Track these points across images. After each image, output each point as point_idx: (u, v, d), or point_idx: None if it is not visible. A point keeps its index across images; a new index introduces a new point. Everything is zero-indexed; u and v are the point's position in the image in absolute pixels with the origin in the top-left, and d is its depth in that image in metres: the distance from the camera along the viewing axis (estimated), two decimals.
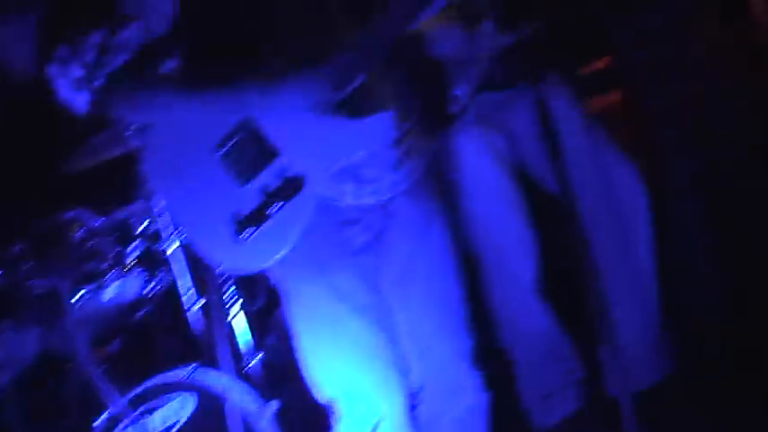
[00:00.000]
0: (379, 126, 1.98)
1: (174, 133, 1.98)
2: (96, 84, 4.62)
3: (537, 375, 2.85)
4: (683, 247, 3.07)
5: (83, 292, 2.67)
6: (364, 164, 1.98)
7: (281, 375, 2.91)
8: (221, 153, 1.93)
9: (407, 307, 2.09)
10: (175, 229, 2.99)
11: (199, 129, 1.95)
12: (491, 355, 2.74)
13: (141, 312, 2.98)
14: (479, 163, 2.74)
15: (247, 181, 1.92)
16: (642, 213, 2.81)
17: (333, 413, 2.06)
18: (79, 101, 4.61)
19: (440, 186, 2.24)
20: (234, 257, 1.94)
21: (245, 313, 2.88)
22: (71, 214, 2.95)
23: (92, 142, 3.43)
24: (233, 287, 2.92)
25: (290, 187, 1.91)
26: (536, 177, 2.79)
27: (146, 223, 3.10)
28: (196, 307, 3.00)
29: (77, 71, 4.57)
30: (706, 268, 3.07)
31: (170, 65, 2.05)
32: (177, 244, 3.00)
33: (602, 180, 2.73)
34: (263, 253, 1.93)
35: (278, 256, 1.93)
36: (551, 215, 2.49)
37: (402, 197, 2.06)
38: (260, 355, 2.91)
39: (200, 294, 3.03)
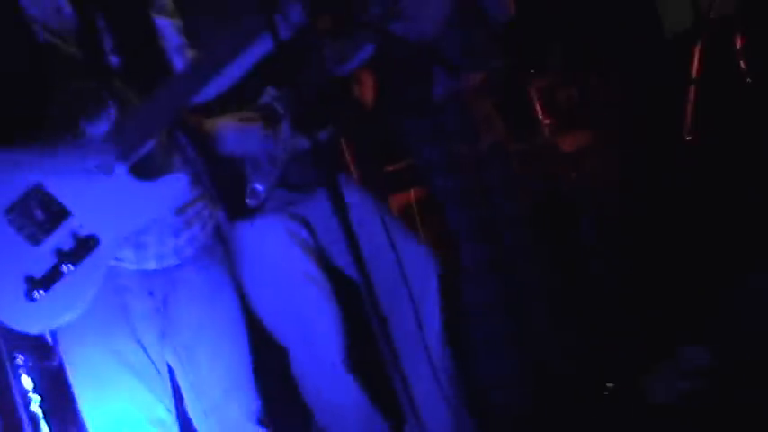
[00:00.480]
0: (166, 191, 2.07)
1: None
2: None
3: None
4: (481, 325, 3.28)
5: None
6: (146, 229, 2.06)
7: None
8: (12, 216, 1.97)
9: (196, 369, 2.15)
10: None
11: None
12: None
13: None
14: (282, 246, 2.80)
15: (39, 242, 1.97)
16: (433, 293, 2.94)
17: None
18: None
19: (227, 256, 2.33)
20: (24, 318, 1.97)
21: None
22: None
23: None
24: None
25: (83, 248, 1.98)
26: (336, 263, 2.92)
27: None
28: None
29: None
30: (501, 346, 3.29)
31: None
32: None
33: (395, 263, 2.88)
34: (53, 314, 1.97)
35: (66, 318, 1.98)
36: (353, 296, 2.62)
37: (188, 263, 2.13)
38: None
39: None
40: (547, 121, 4.29)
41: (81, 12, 2.05)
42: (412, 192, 4.01)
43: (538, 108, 4.31)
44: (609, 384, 3.23)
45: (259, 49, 2.04)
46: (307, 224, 2.86)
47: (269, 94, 2.54)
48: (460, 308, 3.23)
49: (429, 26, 3.09)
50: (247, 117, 2.44)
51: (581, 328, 3.47)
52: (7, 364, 2.94)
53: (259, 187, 2.55)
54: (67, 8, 2.05)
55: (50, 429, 2.84)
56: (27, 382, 3.00)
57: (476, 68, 3.31)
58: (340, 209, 2.09)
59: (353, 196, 2.68)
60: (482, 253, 3.29)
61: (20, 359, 3.06)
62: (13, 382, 2.90)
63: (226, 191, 2.47)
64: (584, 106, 4.44)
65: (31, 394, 3.02)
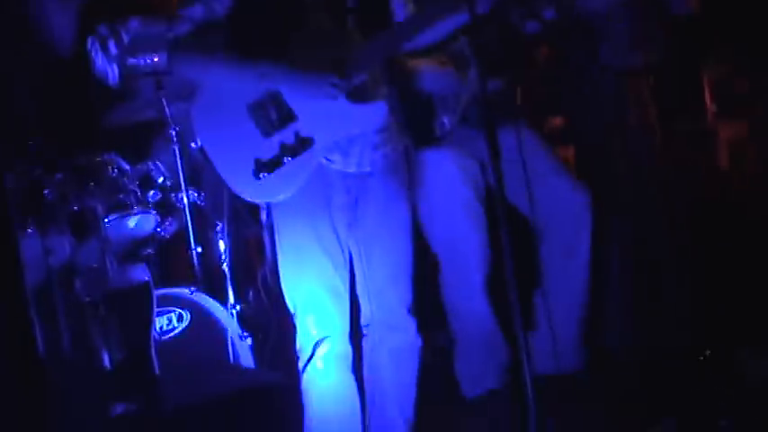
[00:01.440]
0: (372, 114, 2.58)
1: (217, 92, 2.57)
2: (129, 62, 5.28)
3: (471, 358, 3.36)
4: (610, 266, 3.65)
5: (112, 216, 3.24)
6: (353, 140, 2.58)
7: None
8: (253, 111, 2.53)
9: (369, 258, 2.65)
10: (187, 188, 3.62)
11: (237, 91, 2.54)
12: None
13: (152, 246, 3.60)
14: (453, 178, 3.26)
15: (270, 135, 2.53)
16: (586, 230, 3.32)
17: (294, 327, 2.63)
18: (111, 74, 5.28)
19: (409, 174, 2.80)
20: (250, 190, 2.54)
21: None
22: (107, 156, 3.52)
23: (128, 105, 4.04)
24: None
25: (301, 145, 2.52)
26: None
27: (161, 179, 3.71)
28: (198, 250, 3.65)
29: (113, 49, 5.27)
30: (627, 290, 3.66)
31: (221, 39, 2.63)
32: (186, 200, 3.63)
33: (556, 199, 3.25)
34: (272, 191, 2.54)
35: (282, 197, 2.54)
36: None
37: (378, 173, 2.64)
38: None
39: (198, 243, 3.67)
40: (713, 108, 4.52)
41: None
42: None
43: (707, 94, 4.55)
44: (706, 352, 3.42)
45: (463, 16, 2.44)
46: (479, 161, 3.27)
47: (462, 41, 2.93)
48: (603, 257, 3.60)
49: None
50: (442, 60, 2.89)
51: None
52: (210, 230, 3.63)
53: (446, 120, 3.01)
54: None
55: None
56: (221, 245, 3.68)
57: (637, 52, 3.61)
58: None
59: (527, 136, 3.10)
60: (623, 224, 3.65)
61: (218, 227, 3.75)
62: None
63: (418, 120, 2.98)
64: (753, 98, 4.64)
65: (223, 256, 3.71)
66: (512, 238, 2.29)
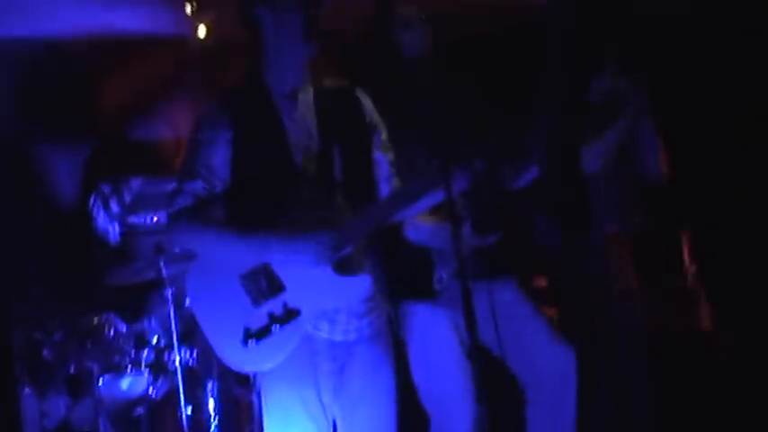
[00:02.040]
0: (358, 285, 2.72)
1: (212, 260, 2.72)
2: (130, 220, 5.49)
3: None
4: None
5: (106, 376, 3.34)
6: (340, 310, 2.72)
7: None
8: (244, 281, 2.67)
9: (353, 423, 2.74)
10: (180, 348, 3.73)
11: (231, 261, 2.69)
12: None
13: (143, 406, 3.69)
14: (446, 336, 3.31)
15: (259, 305, 2.66)
16: (571, 389, 3.34)
17: None
18: (112, 232, 5.49)
19: (395, 340, 2.94)
20: (237, 358, 2.66)
21: None
22: (105, 317, 3.65)
23: (130, 267, 4.21)
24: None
25: (288, 316, 2.65)
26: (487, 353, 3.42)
27: (155, 338, 3.83)
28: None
29: (115, 207, 5.50)
30: None
31: (219, 213, 2.79)
32: (178, 361, 3.75)
33: (542, 356, 3.31)
34: (259, 360, 2.65)
35: (269, 366, 2.65)
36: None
37: (364, 340, 2.76)
38: None
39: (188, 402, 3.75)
40: (693, 268, 4.68)
41: (323, 138, 2.76)
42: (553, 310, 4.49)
43: (686, 253, 4.72)
44: None
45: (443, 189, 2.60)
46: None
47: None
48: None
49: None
50: (440, 216, 3.00)
51: None
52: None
53: (444, 275, 3.15)
54: (315, 135, 2.76)
55: None
56: (211, 403, 3.77)
57: (618, 221, 3.83)
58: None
59: (513, 294, 3.24)
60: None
61: (208, 385, 3.85)
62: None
63: (416, 274, 3.12)
64: None
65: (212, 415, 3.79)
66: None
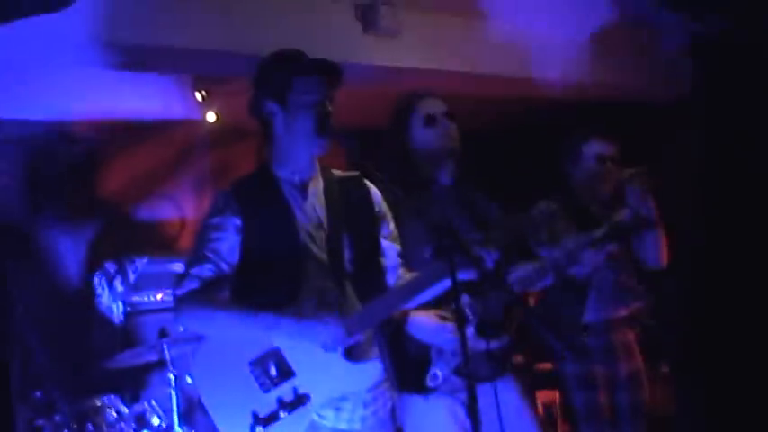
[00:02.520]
0: (366, 373, 2.76)
1: (221, 345, 2.75)
2: (133, 299, 5.51)
3: None
4: None
5: None
6: (346, 398, 2.74)
7: None
8: (254, 366, 2.71)
9: None
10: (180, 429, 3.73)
11: (240, 345, 2.72)
12: None
13: None
14: (443, 424, 3.24)
15: (268, 390, 2.69)
16: None
17: None
18: (116, 311, 5.51)
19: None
20: None
21: None
22: (106, 399, 3.66)
23: (133, 350, 4.22)
24: None
25: (298, 401, 2.67)
26: None
27: (156, 420, 3.83)
28: None
29: (119, 286, 5.54)
30: None
31: (226, 295, 2.82)
32: None
33: None
34: None
35: None
36: None
37: (368, 430, 2.77)
38: None
39: None
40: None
41: (332, 227, 2.83)
42: (557, 393, 4.51)
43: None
44: None
45: (448, 282, 2.64)
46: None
47: (463, 300, 3.11)
48: None
49: (588, 269, 3.72)
50: (443, 315, 3.07)
51: None
52: None
53: (439, 372, 3.15)
54: (325, 224, 2.82)
55: None
56: None
57: (621, 303, 3.90)
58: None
59: (514, 392, 3.25)
60: None
61: None
62: None
63: (412, 369, 3.12)
64: None
65: None
66: None
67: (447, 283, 2.66)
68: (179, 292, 2.78)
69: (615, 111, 6.09)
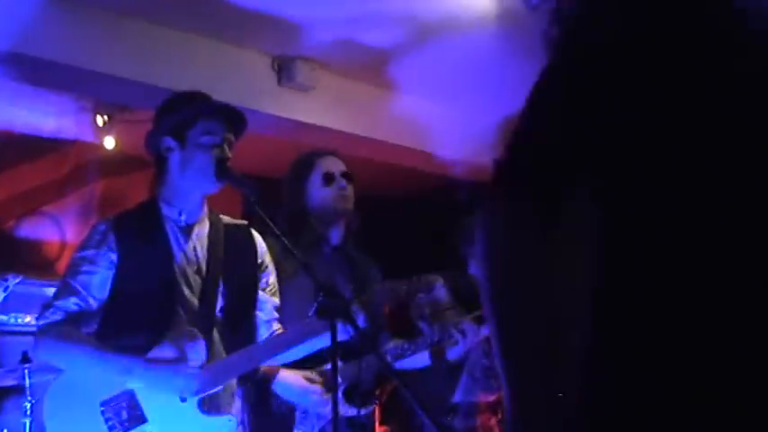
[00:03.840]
0: (221, 426, 2.65)
1: (74, 382, 2.63)
2: None
3: None
4: None
5: None
6: None
7: None
8: (105, 407, 2.59)
9: None
10: None
11: (95, 384, 2.60)
12: None
13: None
14: None
15: None
16: None
17: None
18: None
19: None
20: None
21: None
22: None
23: None
24: None
25: None
26: None
27: None
28: None
29: None
30: None
31: (91, 330, 2.71)
32: None
33: None
34: None
35: None
36: None
37: None
38: None
39: None
40: None
41: (210, 273, 2.77)
42: None
43: None
44: None
45: (321, 341, 2.62)
46: None
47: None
48: None
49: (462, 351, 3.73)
50: (311, 377, 3.01)
51: None
52: None
53: None
54: (203, 269, 2.77)
55: None
56: None
57: (490, 389, 3.89)
58: None
59: None
60: None
61: None
62: None
63: (272, 429, 3.05)
64: None
65: None
66: None
67: (316, 343, 2.64)
68: (41, 322, 2.69)
69: None
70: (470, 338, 3.32)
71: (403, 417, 4.28)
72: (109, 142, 5.53)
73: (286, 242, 2.57)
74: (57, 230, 5.87)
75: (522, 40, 4.77)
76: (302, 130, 5.05)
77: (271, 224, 2.61)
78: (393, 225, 6.04)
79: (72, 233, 5.90)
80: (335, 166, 3.36)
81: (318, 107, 5.06)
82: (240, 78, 4.53)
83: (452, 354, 3.64)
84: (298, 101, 4.97)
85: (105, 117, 5.36)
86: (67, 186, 5.97)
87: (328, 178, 3.32)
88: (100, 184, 6.06)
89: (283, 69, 4.86)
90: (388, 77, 5.20)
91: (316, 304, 2.48)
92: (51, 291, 2.80)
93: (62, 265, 5.63)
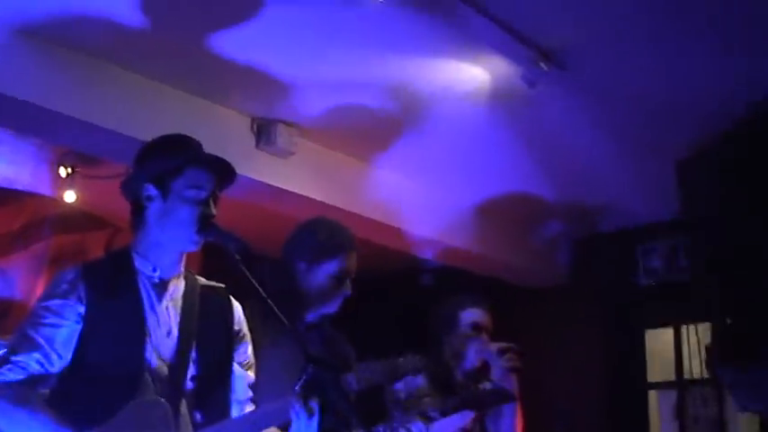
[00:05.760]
0: None
1: None
2: None
3: None
4: None
5: None
6: None
7: None
8: None
9: None
10: None
11: None
12: None
13: None
14: None
15: None
16: None
17: None
18: None
19: None
20: None
21: None
22: None
23: None
24: None
25: None
26: None
27: None
28: None
29: None
30: None
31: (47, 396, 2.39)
32: None
33: None
34: None
35: None
36: None
37: None
38: None
39: None
40: None
41: (182, 338, 2.47)
42: None
43: None
44: None
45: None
46: None
47: None
48: None
49: None
50: None
51: None
52: None
53: None
54: (175, 334, 2.48)
55: None
56: None
57: None
58: None
59: None
60: None
61: None
62: None
63: None
64: None
65: None
66: None
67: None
68: None
69: (492, 284, 6.07)
70: (447, 425, 3.10)
71: None
72: (69, 196, 5.22)
73: (274, 307, 2.30)
74: (5, 286, 5.50)
75: (515, 122, 4.69)
76: (277, 196, 4.81)
77: (258, 287, 2.34)
78: (361, 304, 5.80)
79: (21, 290, 5.52)
80: (352, 264, 3.20)
81: (296, 174, 4.83)
82: (217, 137, 4.25)
83: None
84: (275, 166, 4.74)
85: (68, 169, 5.06)
86: (18, 241, 5.62)
87: (342, 274, 3.15)
88: (53, 241, 5.72)
89: (263, 132, 4.63)
90: (370, 150, 5.02)
91: (305, 375, 2.23)
92: None
93: (8, 326, 5.25)
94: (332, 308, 3.17)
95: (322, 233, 3.21)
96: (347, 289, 3.16)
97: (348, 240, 3.24)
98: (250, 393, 2.61)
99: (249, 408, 2.57)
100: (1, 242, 5.53)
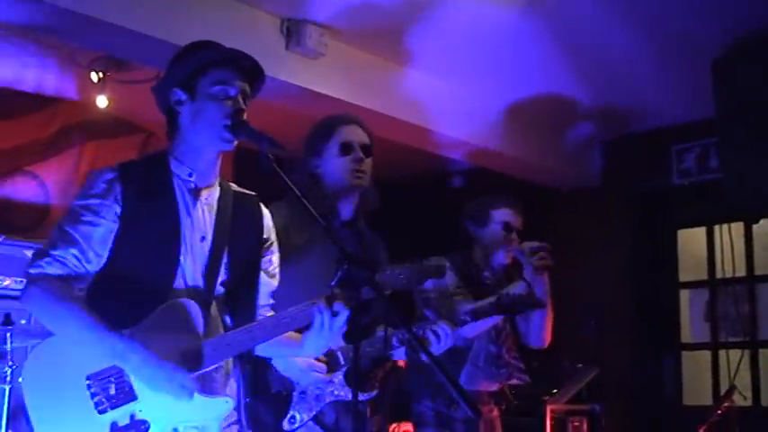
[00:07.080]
0: (216, 407, 2.41)
1: (60, 350, 2.36)
2: None
3: None
4: None
5: None
6: (193, 428, 2.41)
7: None
8: (92, 381, 2.33)
9: None
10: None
11: (82, 355, 2.32)
12: None
13: None
14: None
15: (104, 412, 2.31)
16: None
17: None
18: None
19: None
20: None
21: None
22: None
23: None
24: None
25: (135, 429, 2.31)
26: None
27: None
28: None
29: None
30: None
31: (84, 294, 2.42)
32: None
33: None
34: None
35: None
36: None
37: None
38: None
39: None
40: None
41: (215, 244, 2.51)
42: None
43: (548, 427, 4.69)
44: None
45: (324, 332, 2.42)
46: None
47: (338, 345, 2.90)
48: None
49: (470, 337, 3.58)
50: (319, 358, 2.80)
51: None
52: None
53: (297, 416, 2.92)
54: (209, 238, 2.50)
55: None
56: None
57: (495, 378, 3.77)
58: None
59: None
60: None
61: None
62: None
63: (271, 410, 2.92)
64: None
65: None
66: None
67: (323, 334, 2.43)
68: (33, 271, 2.37)
69: (523, 186, 6.07)
70: (444, 342, 3.11)
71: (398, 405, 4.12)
72: (101, 101, 5.24)
73: (308, 205, 2.32)
74: (40, 192, 5.58)
75: (547, 21, 4.61)
76: (307, 97, 4.79)
77: (292, 186, 2.36)
78: (393, 206, 5.83)
79: (56, 196, 5.60)
80: (356, 135, 3.20)
81: (327, 75, 4.80)
82: (247, 38, 4.25)
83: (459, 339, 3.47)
84: (305, 67, 4.71)
85: (100, 74, 5.06)
86: (53, 147, 5.67)
87: (346, 148, 3.16)
88: (87, 147, 5.77)
89: (293, 33, 4.59)
90: (400, 50, 4.97)
91: (340, 272, 2.27)
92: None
93: (45, 230, 5.35)
94: (359, 198, 3.17)
95: (318, 122, 3.24)
96: (358, 170, 3.14)
97: (343, 116, 3.25)
98: (271, 300, 2.66)
99: (269, 314, 2.62)
100: (35, 148, 5.59)
